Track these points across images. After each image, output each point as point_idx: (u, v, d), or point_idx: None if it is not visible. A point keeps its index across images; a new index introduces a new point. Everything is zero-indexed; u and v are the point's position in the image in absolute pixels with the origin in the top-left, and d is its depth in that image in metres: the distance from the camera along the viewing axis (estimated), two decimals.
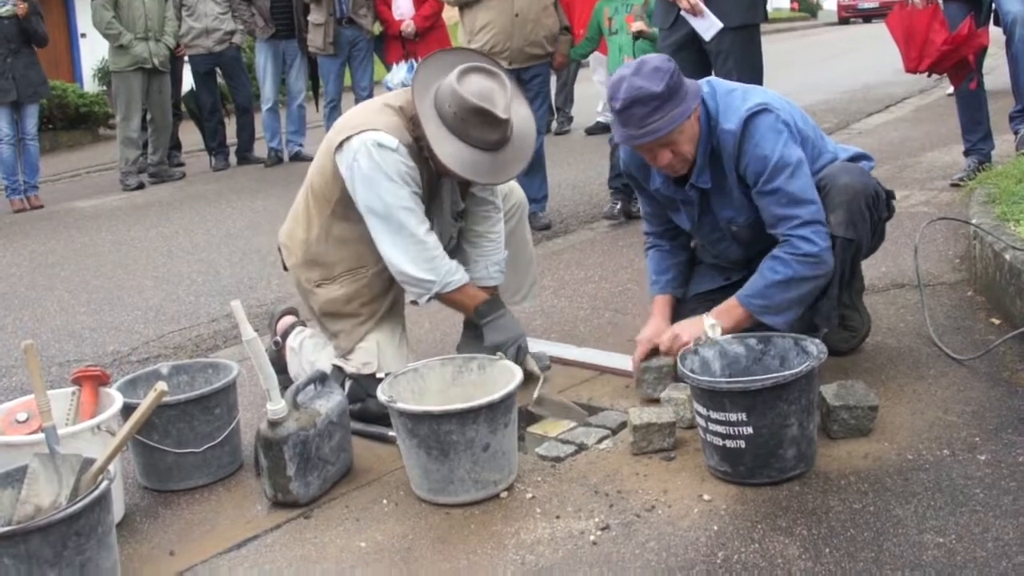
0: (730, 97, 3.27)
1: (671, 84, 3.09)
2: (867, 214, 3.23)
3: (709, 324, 3.15)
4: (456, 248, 3.72)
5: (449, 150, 3.25)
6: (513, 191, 3.85)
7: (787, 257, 3.16)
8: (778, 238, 3.21)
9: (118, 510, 2.88)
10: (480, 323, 3.48)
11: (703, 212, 3.43)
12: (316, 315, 3.61)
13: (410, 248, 3.31)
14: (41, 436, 2.65)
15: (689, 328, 3.29)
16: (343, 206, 3.41)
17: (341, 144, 3.34)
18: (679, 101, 3.12)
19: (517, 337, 3.43)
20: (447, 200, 3.55)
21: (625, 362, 3.66)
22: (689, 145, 3.22)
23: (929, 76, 6.03)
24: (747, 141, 3.19)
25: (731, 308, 3.25)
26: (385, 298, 3.53)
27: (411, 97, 3.30)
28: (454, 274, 3.39)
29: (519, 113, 3.38)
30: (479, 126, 3.23)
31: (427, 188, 3.44)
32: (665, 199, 3.53)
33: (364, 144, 3.28)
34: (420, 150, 3.34)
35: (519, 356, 3.38)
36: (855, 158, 3.46)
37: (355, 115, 3.48)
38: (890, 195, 3.49)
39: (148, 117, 10.07)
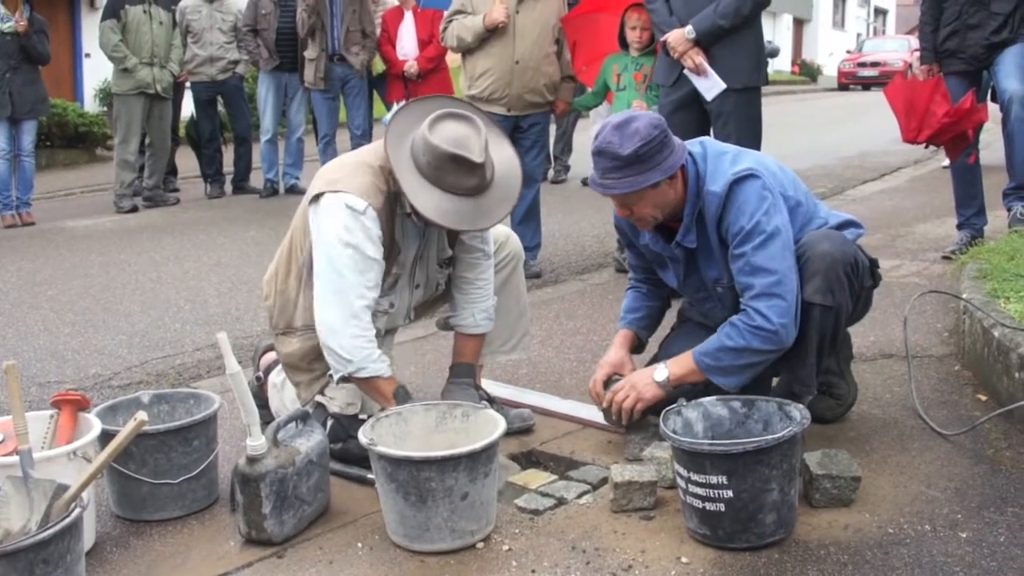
0: (720, 160, 3.27)
1: (641, 152, 3.09)
2: (845, 281, 3.23)
3: (660, 377, 3.31)
4: (444, 294, 3.71)
5: (427, 201, 3.20)
6: (509, 240, 3.84)
7: (741, 326, 3.18)
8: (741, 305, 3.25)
9: (89, 538, 2.85)
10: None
11: (689, 271, 3.43)
12: (281, 361, 3.61)
13: (340, 321, 3.24)
14: (15, 459, 2.62)
15: (642, 377, 3.38)
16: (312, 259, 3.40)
17: (316, 198, 3.33)
18: (643, 169, 3.12)
19: None
20: (434, 247, 3.54)
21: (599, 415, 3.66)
22: (651, 209, 3.24)
23: (927, 147, 6.09)
24: (730, 204, 3.19)
25: (685, 360, 3.31)
26: None
27: (384, 151, 3.27)
28: (373, 362, 3.27)
29: (500, 154, 3.36)
30: (454, 173, 3.19)
31: (407, 240, 3.43)
32: (653, 255, 3.53)
33: (331, 204, 3.27)
34: (397, 205, 3.32)
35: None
36: (844, 224, 3.46)
37: (331, 170, 3.44)
38: (874, 263, 3.49)
39: (147, 141, 10.08)
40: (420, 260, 3.53)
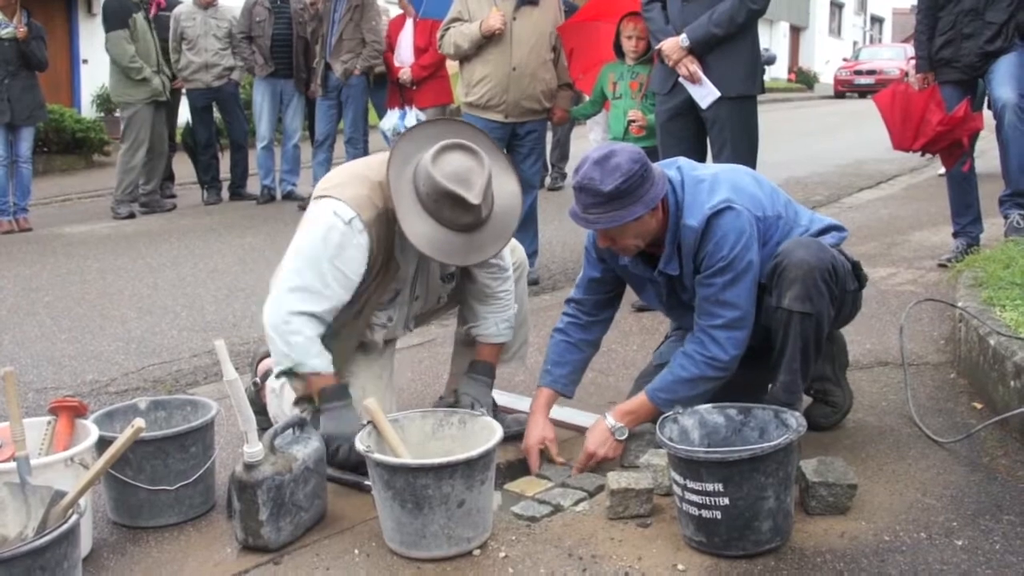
0: (696, 189, 3.28)
1: (622, 188, 3.10)
2: (824, 288, 3.23)
3: (615, 429, 3.36)
4: (465, 305, 3.73)
5: (419, 230, 3.21)
6: (515, 250, 3.83)
7: (697, 357, 3.27)
8: (695, 326, 3.31)
9: (85, 544, 2.85)
10: (320, 407, 3.32)
11: (671, 292, 3.46)
12: None
13: (289, 314, 3.24)
14: (12, 465, 2.62)
15: (599, 441, 3.38)
16: None
17: (317, 199, 3.37)
18: (625, 204, 3.12)
19: (349, 436, 3.14)
20: (434, 264, 3.53)
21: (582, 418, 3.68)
22: (633, 240, 3.25)
23: (923, 155, 6.10)
24: (708, 238, 3.23)
25: (638, 403, 3.39)
26: (346, 367, 3.52)
27: (387, 169, 3.27)
28: (313, 358, 3.27)
29: (503, 188, 3.34)
30: (451, 209, 3.19)
31: (407, 255, 3.43)
32: (634, 278, 3.55)
33: (322, 209, 3.29)
34: (389, 222, 3.31)
35: (349, 455, 3.19)
36: (826, 229, 3.47)
37: (334, 175, 3.47)
38: (856, 265, 3.50)
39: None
40: (420, 274, 3.54)
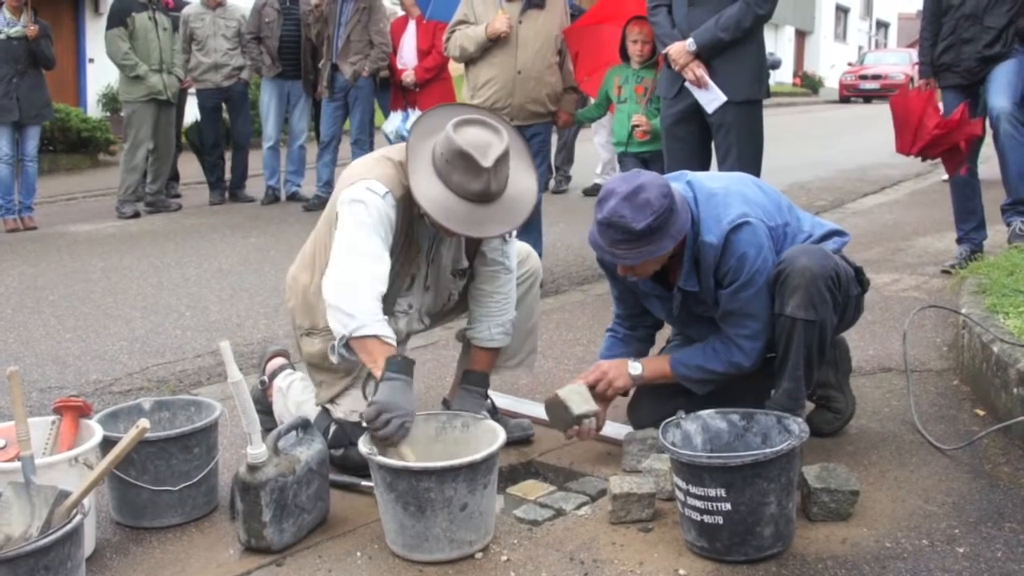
0: (711, 203, 3.29)
1: (653, 224, 3.10)
2: (827, 295, 3.25)
3: (632, 365, 3.51)
4: (459, 305, 3.73)
5: (427, 190, 3.21)
6: (530, 257, 3.83)
7: (723, 356, 3.40)
8: (723, 330, 3.39)
9: (88, 544, 2.86)
10: (384, 374, 3.05)
11: (683, 308, 3.47)
12: (303, 361, 3.63)
13: (353, 279, 3.17)
14: (17, 464, 2.63)
15: (616, 367, 3.54)
16: None
17: (350, 185, 3.35)
18: (654, 240, 3.13)
19: (406, 410, 3.00)
20: (447, 256, 3.54)
21: (608, 429, 3.66)
22: (654, 266, 3.29)
23: (923, 160, 6.11)
24: (729, 254, 3.25)
25: (660, 364, 3.53)
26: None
27: (407, 142, 3.31)
28: (377, 321, 3.13)
29: (520, 182, 3.34)
30: (461, 171, 3.18)
31: (426, 241, 3.45)
32: (641, 293, 3.57)
33: (355, 188, 3.29)
34: (412, 202, 3.32)
35: (399, 432, 2.97)
36: (828, 235, 3.49)
37: (355, 168, 3.48)
38: (859, 271, 3.52)
39: (151, 146, 10.08)
40: (432, 263, 3.53)
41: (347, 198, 3.30)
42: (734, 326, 3.35)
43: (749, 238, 3.24)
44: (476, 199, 3.23)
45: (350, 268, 3.18)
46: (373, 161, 3.43)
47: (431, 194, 3.22)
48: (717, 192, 3.33)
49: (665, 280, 3.44)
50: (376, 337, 3.10)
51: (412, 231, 3.41)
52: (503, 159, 3.23)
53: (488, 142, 3.21)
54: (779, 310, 3.25)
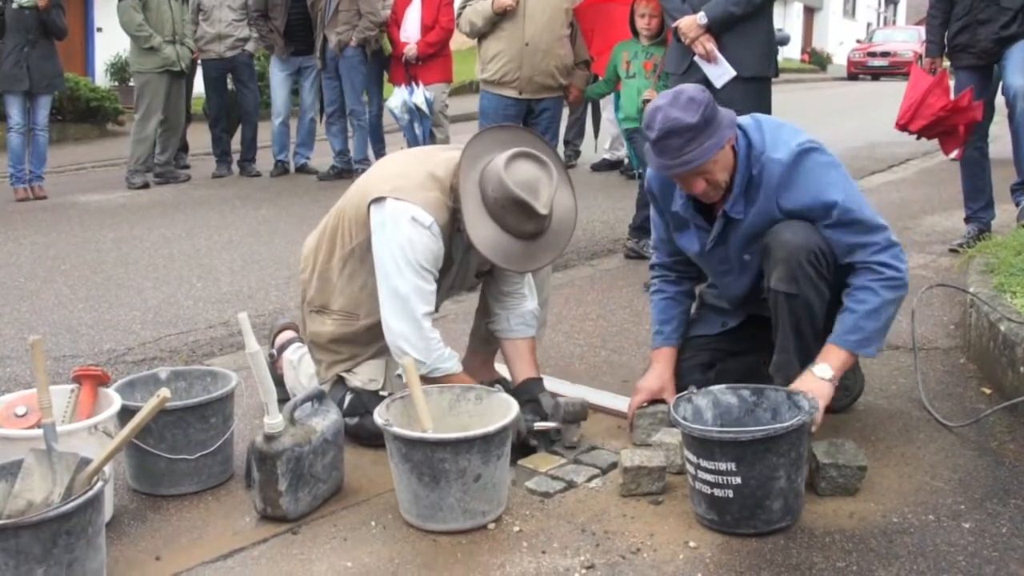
0: (780, 131, 3.31)
1: (706, 115, 3.12)
2: (809, 269, 3.23)
3: (822, 370, 3.19)
4: (483, 299, 3.78)
5: (483, 233, 3.26)
6: None
7: (874, 285, 3.23)
8: (855, 266, 3.26)
9: (107, 511, 2.89)
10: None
11: (718, 242, 3.43)
12: (305, 336, 3.66)
13: (409, 326, 3.30)
14: (39, 431, 2.67)
15: (817, 389, 3.17)
16: (363, 250, 3.43)
17: (381, 199, 3.34)
18: (713, 131, 3.14)
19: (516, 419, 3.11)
20: (474, 261, 3.56)
21: (619, 402, 3.69)
22: (723, 173, 3.25)
23: (919, 139, 6.12)
24: (800, 174, 3.23)
25: (833, 354, 3.24)
26: (368, 348, 3.54)
27: (457, 169, 3.32)
28: (445, 361, 3.37)
29: (562, 203, 3.37)
30: (517, 216, 3.24)
31: (459, 253, 3.49)
32: (679, 220, 3.53)
33: (400, 214, 3.29)
34: (455, 222, 3.35)
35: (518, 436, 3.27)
36: None
37: (397, 173, 3.44)
38: None
39: (162, 118, 10.08)
40: (460, 268, 3.58)
41: (391, 219, 3.30)
42: (863, 251, 3.23)
43: (824, 160, 3.26)
44: (529, 237, 3.31)
45: (403, 318, 3.31)
46: (421, 178, 3.38)
47: (488, 237, 3.27)
48: (787, 124, 3.37)
49: (709, 214, 3.43)
50: (447, 375, 3.36)
51: (449, 245, 3.43)
52: (554, 196, 3.28)
53: (539, 179, 3.24)
54: (765, 283, 3.29)
